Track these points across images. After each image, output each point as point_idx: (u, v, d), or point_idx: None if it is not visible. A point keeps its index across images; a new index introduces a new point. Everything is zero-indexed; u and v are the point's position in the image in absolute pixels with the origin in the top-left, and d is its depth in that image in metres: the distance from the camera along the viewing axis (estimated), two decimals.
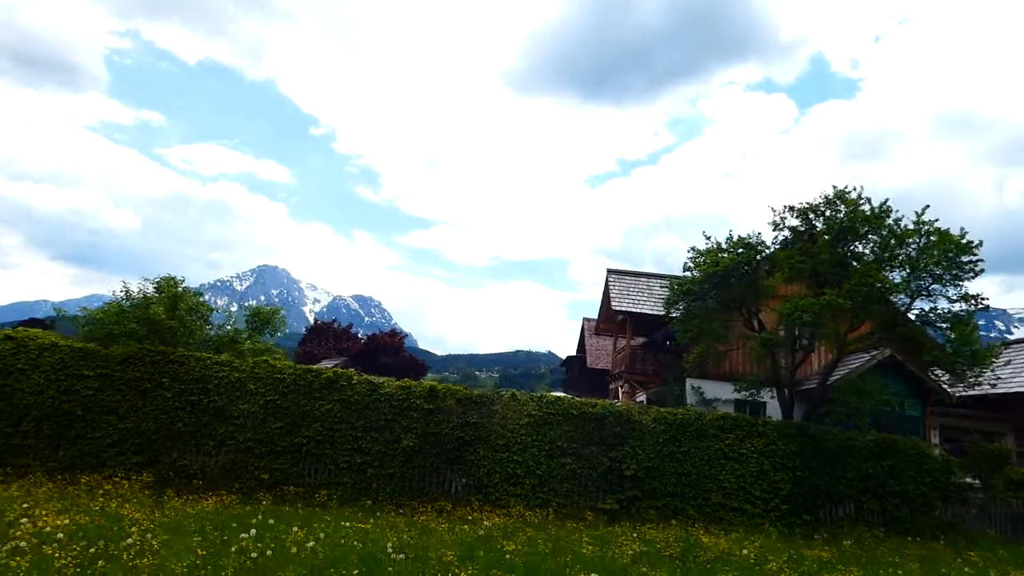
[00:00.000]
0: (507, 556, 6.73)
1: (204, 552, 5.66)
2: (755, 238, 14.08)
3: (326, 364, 36.70)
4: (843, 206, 13.64)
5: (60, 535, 5.94)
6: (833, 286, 13.13)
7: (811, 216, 14.15)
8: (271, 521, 7.45)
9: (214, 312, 13.23)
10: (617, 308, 21.52)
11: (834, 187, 14.00)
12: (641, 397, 23.55)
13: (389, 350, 37.46)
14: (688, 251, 14.92)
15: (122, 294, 12.39)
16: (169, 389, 10.94)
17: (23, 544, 5.60)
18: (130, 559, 5.35)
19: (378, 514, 9.14)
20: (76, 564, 5.15)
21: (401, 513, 9.57)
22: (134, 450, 10.54)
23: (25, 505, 7.22)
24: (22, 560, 5.08)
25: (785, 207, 14.28)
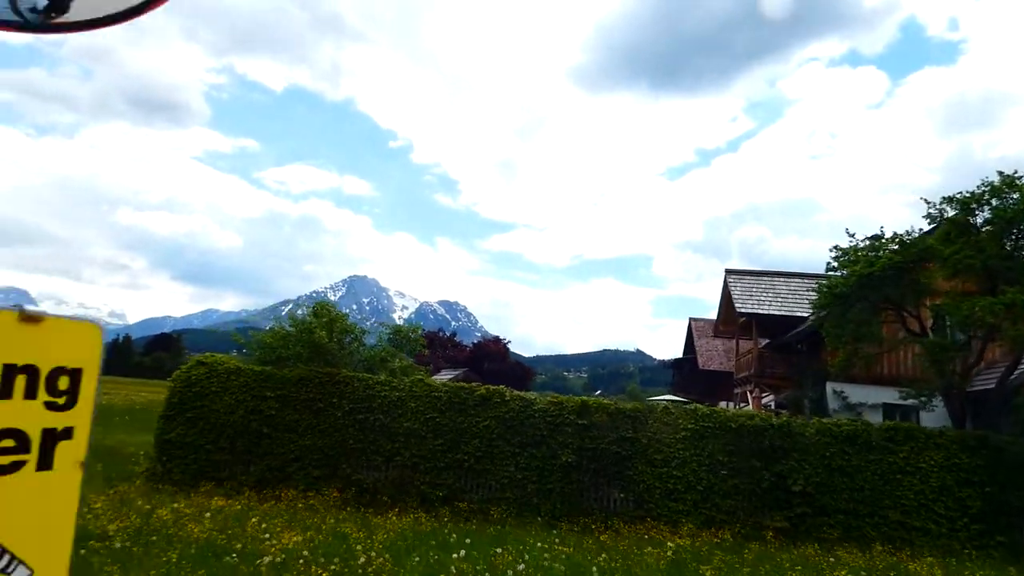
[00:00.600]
0: None
1: None
2: (913, 235, 13.17)
3: (445, 375, 37.95)
4: (1014, 193, 12.55)
5: (305, 552, 6.48)
6: (1008, 282, 12.06)
7: (973, 207, 13.10)
8: (467, 540, 7.75)
9: (366, 334, 14.00)
10: (741, 310, 20.79)
11: (1000, 173, 12.93)
12: (768, 400, 22.61)
13: (495, 357, 38.13)
14: (831, 250, 14.19)
15: (287, 320, 13.37)
16: (339, 408, 11.67)
17: (278, 560, 6.15)
18: None
19: (554, 531, 9.29)
20: None
21: (575, 531, 9.68)
22: (314, 465, 11.33)
23: (253, 519, 7.94)
24: None
25: (943, 199, 13.32)
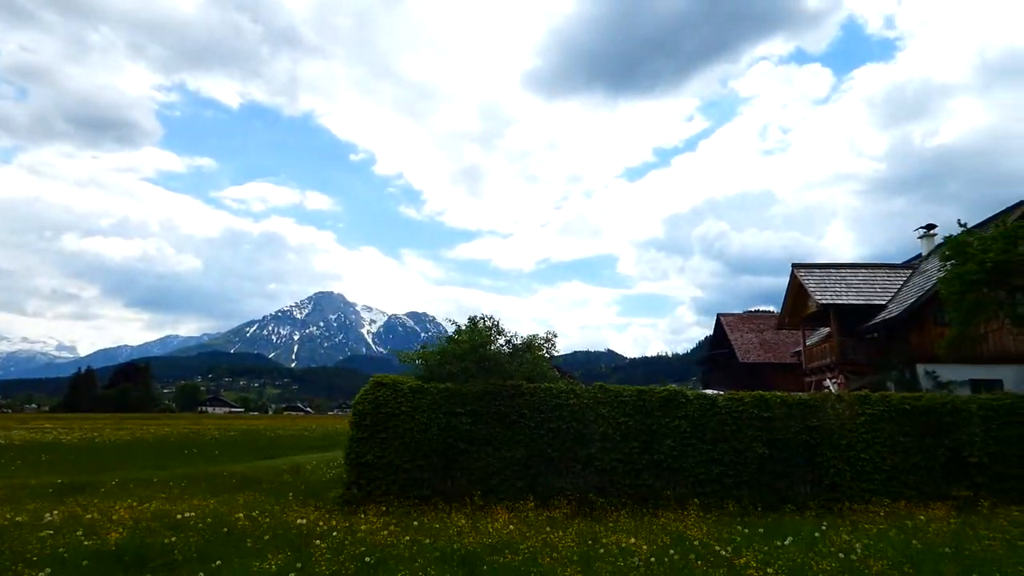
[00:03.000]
0: None
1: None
2: None
3: None
4: None
5: (671, 551, 6.85)
6: None
7: None
8: (760, 531, 8.23)
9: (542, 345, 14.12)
10: (822, 302, 21.75)
11: None
12: (830, 383, 23.61)
13: None
14: (945, 239, 15.12)
15: (452, 334, 13.61)
16: (531, 419, 11.96)
17: (652, 559, 6.53)
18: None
19: (797, 519, 9.82)
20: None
21: (808, 516, 10.22)
22: (515, 476, 11.62)
23: (548, 528, 8.23)
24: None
25: None
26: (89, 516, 8.74)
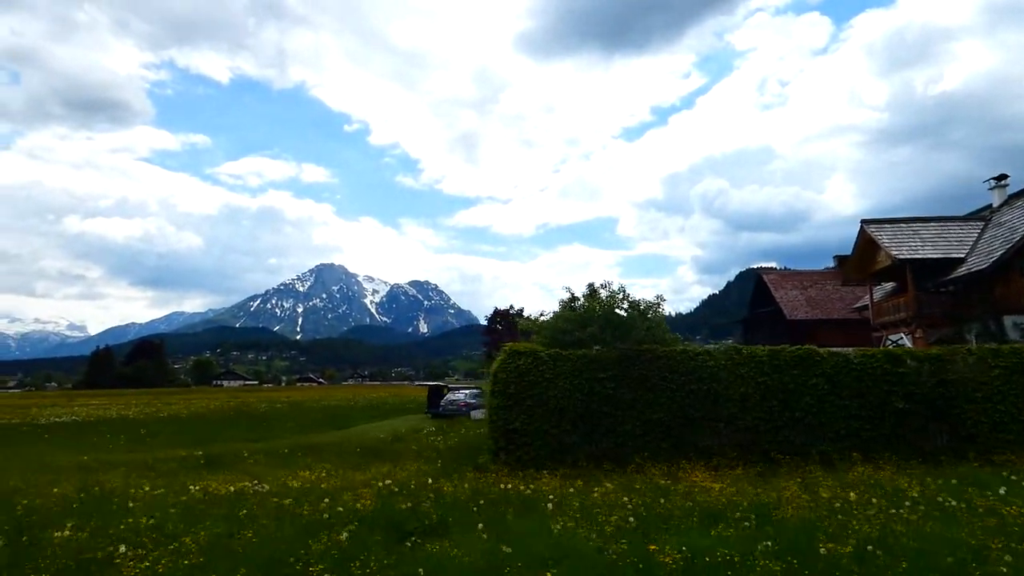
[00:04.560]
0: None
1: None
2: None
3: None
4: None
5: (909, 504, 7.13)
6: None
7: None
8: (953, 482, 8.52)
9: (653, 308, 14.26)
10: (899, 256, 21.80)
11: None
12: (905, 338, 23.89)
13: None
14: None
15: (567, 300, 13.81)
16: (672, 382, 12.21)
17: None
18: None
19: (962, 469, 10.14)
20: None
21: (968, 467, 10.54)
22: (659, 438, 11.93)
23: (750, 487, 8.52)
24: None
25: None
26: (296, 484, 9.05)
